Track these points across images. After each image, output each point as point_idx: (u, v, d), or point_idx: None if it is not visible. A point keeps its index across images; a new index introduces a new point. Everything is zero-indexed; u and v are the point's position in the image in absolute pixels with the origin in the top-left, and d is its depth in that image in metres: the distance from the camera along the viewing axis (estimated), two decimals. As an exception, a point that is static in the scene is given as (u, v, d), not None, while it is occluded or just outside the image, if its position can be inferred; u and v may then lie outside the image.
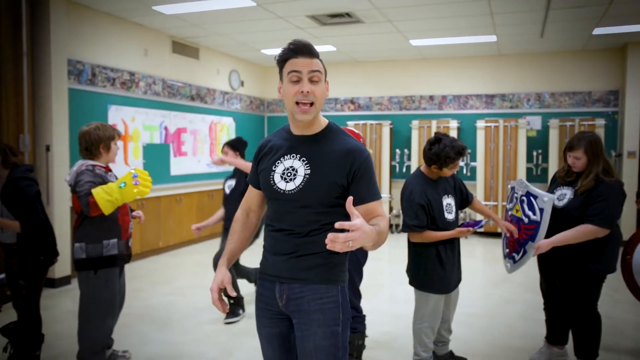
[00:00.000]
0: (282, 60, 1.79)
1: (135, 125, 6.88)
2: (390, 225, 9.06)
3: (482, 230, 8.02)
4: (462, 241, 3.21)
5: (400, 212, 8.96)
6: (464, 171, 8.82)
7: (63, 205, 5.30)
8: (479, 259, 7.03)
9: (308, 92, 1.73)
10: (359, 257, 3.24)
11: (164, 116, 7.44)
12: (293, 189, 1.77)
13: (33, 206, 3.01)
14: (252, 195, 2.01)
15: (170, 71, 7.60)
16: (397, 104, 9.45)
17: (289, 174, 1.80)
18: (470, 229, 3.01)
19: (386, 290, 5.36)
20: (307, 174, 1.77)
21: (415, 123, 8.93)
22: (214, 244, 7.54)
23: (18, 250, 3.06)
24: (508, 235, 3.21)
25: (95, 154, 3.07)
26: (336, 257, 1.80)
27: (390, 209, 9.13)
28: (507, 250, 3.31)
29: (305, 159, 1.79)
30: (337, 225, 1.45)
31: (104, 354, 3.17)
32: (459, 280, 3.19)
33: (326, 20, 6.57)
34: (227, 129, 9.15)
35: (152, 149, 7.17)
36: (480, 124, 8.44)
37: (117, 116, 6.55)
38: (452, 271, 3.06)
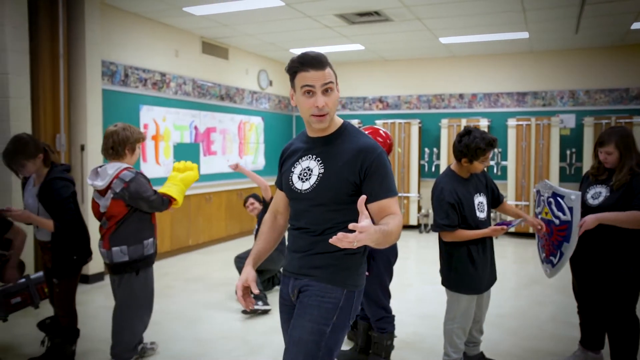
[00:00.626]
0: (292, 72, 1.84)
1: (166, 125, 6.99)
2: (419, 225, 8.98)
3: (513, 230, 7.88)
4: (493, 241, 3.15)
5: (430, 211, 8.92)
6: (495, 170, 8.68)
7: (97, 203, 5.42)
8: (509, 260, 6.91)
9: (323, 106, 1.79)
10: (389, 257, 3.22)
11: (194, 116, 7.54)
12: (308, 188, 1.84)
13: (67, 207, 3.06)
14: (279, 197, 2.08)
15: (200, 71, 7.69)
16: (426, 103, 9.35)
17: (305, 174, 1.87)
18: (505, 227, 2.95)
19: (415, 290, 5.32)
20: (321, 173, 1.83)
21: (444, 122, 8.83)
22: (243, 242, 7.62)
23: (52, 249, 3.13)
24: (540, 230, 3.10)
25: (121, 154, 3.10)
26: (350, 260, 1.84)
27: (419, 209, 9.05)
28: (544, 254, 3.23)
29: (320, 159, 1.86)
30: (351, 226, 1.48)
31: (136, 350, 3.24)
32: (493, 280, 3.13)
33: (355, 19, 6.55)
34: (256, 128, 9.21)
35: (182, 148, 7.27)
36: (512, 122, 8.28)
37: (148, 116, 6.68)
38: (484, 271, 3.00)
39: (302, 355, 1.78)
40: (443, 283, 3.08)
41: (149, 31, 6.62)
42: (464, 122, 8.65)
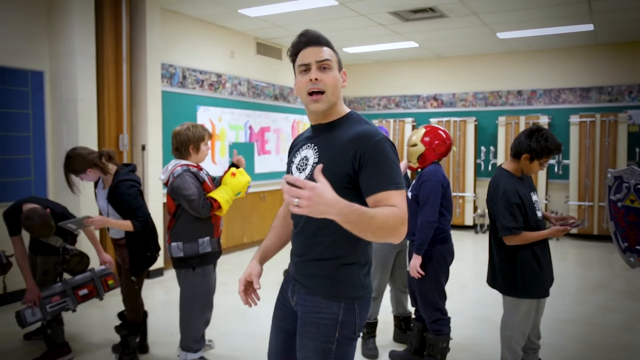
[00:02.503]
0: (293, 54, 1.73)
1: (222, 125, 7.16)
2: (475, 225, 8.76)
3: (575, 231, 7.55)
4: (552, 244, 3.02)
5: (486, 211, 8.67)
6: (556, 169, 8.33)
7: (156, 201, 5.62)
8: (571, 263, 6.62)
9: (316, 79, 1.64)
10: (445, 256, 3.16)
11: (248, 116, 7.68)
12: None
13: (137, 207, 3.15)
14: None
15: (255, 72, 7.82)
16: (483, 100, 9.10)
17: (302, 164, 1.74)
18: (567, 227, 2.80)
19: (470, 291, 5.19)
20: (315, 163, 1.67)
21: (501, 119, 8.57)
22: (296, 241, 7.68)
23: (127, 247, 3.26)
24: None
25: (185, 154, 3.21)
26: (346, 271, 1.69)
27: (475, 209, 8.82)
28: (626, 243, 3.02)
29: (316, 147, 1.71)
30: (284, 177, 1.40)
31: (203, 341, 3.35)
32: (552, 281, 3.00)
33: (409, 16, 6.47)
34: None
35: (237, 147, 7.42)
36: (574, 119, 7.93)
37: (205, 116, 6.85)
38: (549, 273, 2.88)
39: None
40: (503, 290, 2.91)
41: (205, 34, 6.80)
42: (522, 120, 8.36)
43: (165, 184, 3.23)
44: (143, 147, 5.52)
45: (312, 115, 1.75)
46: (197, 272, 3.20)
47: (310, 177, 1.62)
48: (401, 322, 3.76)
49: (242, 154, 7.41)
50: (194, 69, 6.64)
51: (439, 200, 3.10)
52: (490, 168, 8.82)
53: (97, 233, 3.79)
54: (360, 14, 6.39)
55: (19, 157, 4.75)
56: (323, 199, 1.34)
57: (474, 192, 8.74)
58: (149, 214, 3.21)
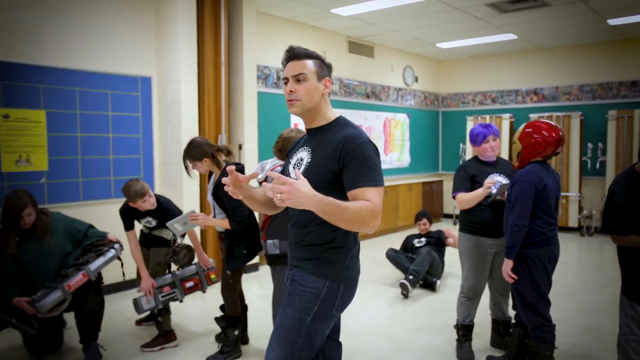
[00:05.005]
0: (284, 68, 1.99)
1: (315, 124, 7.27)
2: (580, 227, 8.18)
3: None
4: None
5: (593, 212, 8.08)
6: (589, 165, 7.53)
7: (253, 198, 5.82)
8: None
9: (291, 91, 1.91)
10: (543, 260, 2.96)
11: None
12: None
13: (237, 206, 3.27)
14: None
15: (347, 70, 7.86)
16: (590, 93, 8.46)
17: (298, 164, 1.97)
18: None
19: (575, 298, 4.85)
20: (308, 162, 1.92)
21: (612, 113, 7.91)
22: (388, 240, 7.63)
23: (225, 243, 3.43)
24: None
25: (284, 156, 3.31)
26: (333, 253, 1.90)
27: (580, 209, 8.23)
28: None
29: (310, 149, 1.95)
30: (267, 173, 1.59)
31: None
32: None
33: (507, 7, 6.17)
34: (401, 125, 9.16)
35: (329, 146, 7.50)
36: (699, 111, 7.14)
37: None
38: None
39: (283, 339, 1.88)
40: (624, 292, 2.72)
41: (298, 34, 6.94)
42: (637, 113, 7.67)
43: (260, 183, 3.32)
44: (240, 147, 5.75)
45: (302, 119, 1.99)
46: None
47: (303, 175, 1.78)
48: (499, 326, 3.60)
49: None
50: (288, 69, 6.80)
51: (530, 202, 2.92)
52: (598, 166, 8.19)
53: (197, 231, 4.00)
54: (454, 7, 6.20)
55: (131, 156, 5.14)
56: (301, 193, 1.59)
57: (579, 191, 8.15)
58: (248, 214, 3.32)
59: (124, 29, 5.03)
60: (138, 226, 3.80)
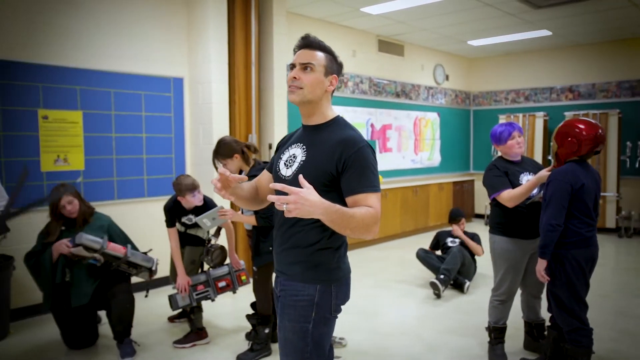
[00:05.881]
0: (294, 55, 1.91)
1: (344, 123, 7.26)
2: (618, 228, 7.94)
3: None
4: None
5: (632, 213, 7.83)
6: (628, 164, 7.26)
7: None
8: None
9: (295, 77, 1.84)
10: (579, 261, 2.89)
11: (370, 114, 7.71)
12: (289, 175, 1.85)
13: None
14: (262, 175, 2.12)
15: (376, 69, 7.83)
16: (629, 90, 8.20)
17: (290, 161, 1.89)
18: None
19: (612, 301, 4.70)
20: (302, 161, 1.84)
21: (652, 110, 7.65)
22: (418, 239, 7.56)
23: (252, 239, 3.48)
24: None
25: None
26: (320, 255, 1.84)
27: (619, 210, 7.98)
28: None
29: (304, 147, 1.87)
30: (270, 185, 1.55)
31: None
32: None
33: (541, 2, 6.03)
34: (432, 124, 9.07)
35: (359, 145, 7.48)
36: None
37: (328, 115, 7.00)
38: None
39: (291, 352, 1.85)
40: None
41: (328, 34, 6.94)
42: (678, 110, 7.40)
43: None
44: (270, 146, 5.79)
45: (301, 113, 1.93)
46: None
47: (297, 173, 1.79)
48: (533, 329, 3.52)
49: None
50: (317, 69, 6.81)
51: (565, 202, 2.85)
52: (637, 165, 7.93)
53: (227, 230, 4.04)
54: (486, 3, 6.10)
55: (163, 156, 5.24)
56: (308, 202, 1.52)
57: (618, 191, 7.90)
58: (274, 211, 3.34)
59: (156, 32, 5.12)
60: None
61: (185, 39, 5.36)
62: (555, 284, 2.93)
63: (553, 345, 3.13)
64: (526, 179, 3.21)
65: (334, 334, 3.73)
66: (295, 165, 1.84)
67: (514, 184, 3.20)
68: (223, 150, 3.44)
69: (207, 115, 5.24)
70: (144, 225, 4.77)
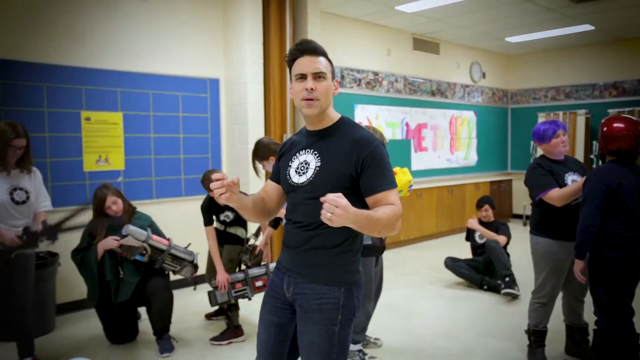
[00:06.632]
0: (290, 61, 1.86)
1: (379, 122, 7.22)
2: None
3: None
4: None
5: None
6: None
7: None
8: None
9: (312, 88, 1.79)
10: (622, 264, 2.78)
11: (405, 113, 7.64)
12: (304, 182, 1.84)
13: None
14: (267, 185, 2.06)
15: (411, 68, 7.75)
16: (677, 85, 7.87)
17: (302, 168, 1.87)
18: None
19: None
20: (318, 166, 1.82)
21: (702, 107, 7.32)
22: (454, 240, 7.46)
23: None
24: None
25: None
26: (344, 257, 1.84)
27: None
28: None
29: (317, 152, 1.86)
30: (322, 199, 1.52)
31: (363, 335, 3.44)
32: None
33: (583, -4, 5.86)
34: (468, 123, 8.92)
35: (393, 145, 7.42)
36: None
37: (362, 115, 6.98)
38: None
39: (318, 356, 1.82)
40: None
41: (362, 33, 6.92)
42: None
43: None
44: (304, 146, 5.81)
45: (308, 120, 1.90)
46: None
47: (313, 179, 1.81)
48: (575, 332, 3.41)
49: (399, 152, 7.44)
50: (352, 68, 6.80)
51: (599, 201, 2.76)
52: (685, 164, 7.59)
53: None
54: (525, -1, 5.96)
55: (200, 156, 5.32)
56: (348, 214, 1.53)
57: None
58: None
59: (193, 34, 5.21)
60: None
61: (221, 40, 5.43)
62: (597, 286, 2.84)
63: (598, 349, 3.03)
64: (571, 178, 3.12)
65: (369, 334, 3.73)
66: (310, 172, 1.83)
67: (560, 183, 3.10)
68: (261, 152, 3.50)
69: (243, 116, 5.30)
70: (182, 224, 4.86)
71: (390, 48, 7.36)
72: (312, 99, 1.81)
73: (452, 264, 5.24)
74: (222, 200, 1.73)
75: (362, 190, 1.80)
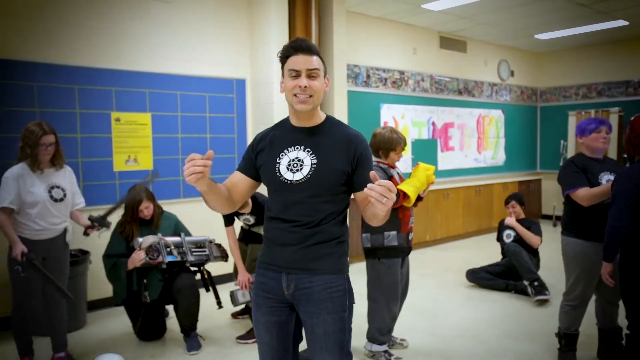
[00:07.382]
0: (283, 57, 1.87)
1: (405, 122, 7.17)
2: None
3: None
4: None
5: None
6: None
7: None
8: None
9: (306, 86, 1.81)
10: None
11: (431, 112, 7.57)
12: (301, 179, 1.83)
13: None
14: (235, 177, 1.98)
15: (438, 67, 7.67)
16: None
17: (295, 165, 1.86)
18: None
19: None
20: (314, 164, 1.84)
21: None
22: (481, 240, 7.36)
23: None
24: None
25: (377, 154, 3.36)
26: (341, 247, 1.91)
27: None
28: None
29: (309, 150, 1.87)
30: (372, 185, 1.51)
31: (389, 336, 3.43)
32: None
33: (616, -9, 5.70)
34: (496, 122, 8.79)
35: (420, 144, 7.37)
36: None
37: (388, 114, 6.94)
38: None
39: (333, 345, 1.87)
40: None
41: (388, 32, 6.88)
42: None
43: None
44: (330, 146, 5.81)
45: (297, 115, 1.90)
46: (382, 262, 3.31)
47: (311, 177, 1.82)
48: (608, 337, 3.32)
49: (425, 151, 7.38)
50: (377, 67, 6.77)
51: (629, 202, 2.67)
52: None
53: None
54: (556, -5, 5.84)
55: (226, 156, 5.38)
56: (394, 199, 1.55)
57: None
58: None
59: (220, 35, 5.26)
60: (238, 223, 3.96)
61: (248, 41, 5.47)
62: (628, 290, 2.75)
63: (630, 354, 2.94)
64: (606, 178, 3.04)
65: (395, 335, 3.71)
66: (306, 169, 1.83)
67: (593, 182, 3.03)
68: None
69: (269, 116, 5.33)
70: (208, 222, 4.91)
71: (416, 47, 7.30)
72: (306, 95, 1.83)
73: (472, 277, 5.16)
74: (191, 181, 1.59)
75: (354, 186, 1.87)
